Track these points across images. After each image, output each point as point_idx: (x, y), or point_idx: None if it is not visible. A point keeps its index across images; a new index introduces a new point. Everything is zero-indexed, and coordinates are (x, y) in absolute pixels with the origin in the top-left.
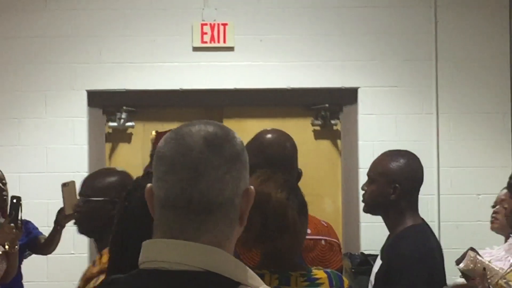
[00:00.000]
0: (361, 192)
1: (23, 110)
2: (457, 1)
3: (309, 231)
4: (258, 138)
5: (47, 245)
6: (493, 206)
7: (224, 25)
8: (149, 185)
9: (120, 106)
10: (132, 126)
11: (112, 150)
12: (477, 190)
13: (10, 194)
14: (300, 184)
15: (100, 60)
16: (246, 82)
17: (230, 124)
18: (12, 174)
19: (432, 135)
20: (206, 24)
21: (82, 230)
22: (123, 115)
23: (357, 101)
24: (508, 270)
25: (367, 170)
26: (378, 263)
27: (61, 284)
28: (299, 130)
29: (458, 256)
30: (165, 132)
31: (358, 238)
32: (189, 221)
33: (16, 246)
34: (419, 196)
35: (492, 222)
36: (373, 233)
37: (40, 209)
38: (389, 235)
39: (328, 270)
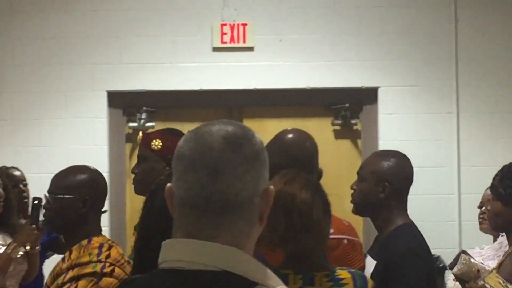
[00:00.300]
0: None
1: (44, 111)
2: (477, 0)
3: (331, 230)
4: (279, 138)
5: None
6: (480, 207)
7: (244, 25)
8: (169, 184)
9: (140, 107)
10: (152, 127)
11: (132, 150)
12: None
13: (31, 195)
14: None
15: (120, 61)
16: (266, 82)
17: (250, 124)
18: (33, 175)
19: (453, 134)
20: (225, 25)
21: (52, 227)
22: (143, 116)
23: (377, 100)
24: (487, 273)
25: None
26: (370, 263)
27: None
28: (319, 130)
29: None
30: (152, 133)
31: None
32: (207, 220)
33: (37, 247)
34: (440, 195)
35: (480, 222)
36: None
37: None
38: (377, 236)
39: (352, 270)
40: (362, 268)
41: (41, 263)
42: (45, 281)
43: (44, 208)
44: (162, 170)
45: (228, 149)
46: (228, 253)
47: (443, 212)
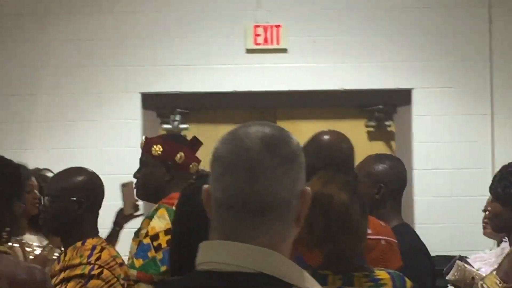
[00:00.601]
0: (417, 193)
1: (77, 112)
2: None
3: (369, 231)
4: (316, 139)
5: None
6: (484, 211)
7: (277, 26)
8: (206, 186)
9: (174, 108)
10: (186, 128)
11: None
12: None
13: None
14: None
15: (154, 63)
16: (300, 84)
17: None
18: None
19: (487, 136)
20: (259, 26)
21: (47, 229)
22: (177, 117)
23: (411, 102)
24: (487, 274)
25: (421, 171)
26: None
27: None
28: (353, 131)
29: None
30: (154, 138)
31: None
32: (245, 221)
33: None
34: (474, 197)
35: (484, 227)
36: (428, 235)
37: None
38: None
39: (391, 271)
40: (400, 268)
41: None
42: None
43: (40, 210)
44: (162, 176)
45: (266, 150)
46: (264, 255)
47: (477, 214)
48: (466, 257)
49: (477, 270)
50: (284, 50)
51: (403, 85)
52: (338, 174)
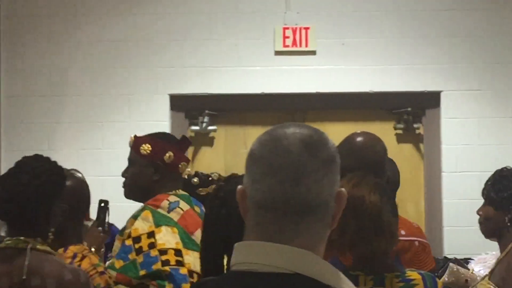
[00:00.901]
0: (445, 196)
1: (106, 113)
2: None
3: (403, 232)
4: (349, 140)
5: None
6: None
7: (306, 29)
8: (240, 187)
9: (202, 110)
10: (214, 130)
11: (195, 153)
12: None
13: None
14: None
15: (182, 64)
16: (328, 86)
17: None
18: (96, 178)
19: None
20: (288, 28)
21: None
22: (205, 119)
23: (440, 105)
24: (480, 279)
25: (450, 174)
26: None
27: None
28: (381, 133)
29: None
30: (142, 137)
31: (441, 242)
32: (286, 222)
33: (102, 249)
34: None
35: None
36: (456, 237)
37: (123, 212)
38: None
39: (422, 271)
40: (433, 270)
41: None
42: None
43: None
44: (150, 175)
45: (307, 152)
46: (301, 256)
47: None
48: (469, 259)
49: (477, 272)
50: (313, 52)
51: (432, 88)
52: (367, 175)
